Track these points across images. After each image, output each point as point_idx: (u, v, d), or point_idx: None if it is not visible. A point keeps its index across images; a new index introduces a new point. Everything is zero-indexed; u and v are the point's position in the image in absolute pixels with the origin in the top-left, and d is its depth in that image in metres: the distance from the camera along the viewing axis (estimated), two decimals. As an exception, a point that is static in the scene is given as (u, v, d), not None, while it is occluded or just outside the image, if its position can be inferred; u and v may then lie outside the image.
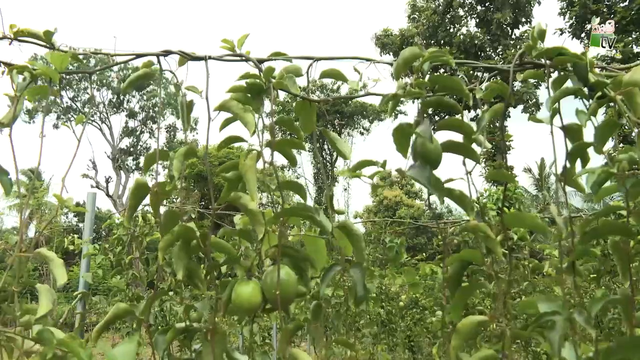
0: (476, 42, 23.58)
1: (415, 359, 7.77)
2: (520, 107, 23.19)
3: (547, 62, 1.35)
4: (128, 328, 4.00)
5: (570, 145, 1.31)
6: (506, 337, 1.24)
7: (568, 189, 1.36)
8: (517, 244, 3.39)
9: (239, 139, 1.41)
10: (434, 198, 1.24)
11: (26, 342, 1.26)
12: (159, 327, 1.44)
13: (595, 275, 3.06)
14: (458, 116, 1.32)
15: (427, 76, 1.33)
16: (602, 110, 1.34)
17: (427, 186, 1.21)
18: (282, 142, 1.34)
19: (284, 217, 1.28)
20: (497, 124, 1.45)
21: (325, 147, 30.03)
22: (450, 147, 1.31)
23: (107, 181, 33.30)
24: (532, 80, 1.85)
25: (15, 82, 1.34)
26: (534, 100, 22.91)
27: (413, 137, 1.27)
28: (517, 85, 22.40)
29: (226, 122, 1.45)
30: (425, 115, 1.30)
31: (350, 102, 33.52)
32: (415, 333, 8.43)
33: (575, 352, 1.19)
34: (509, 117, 22.93)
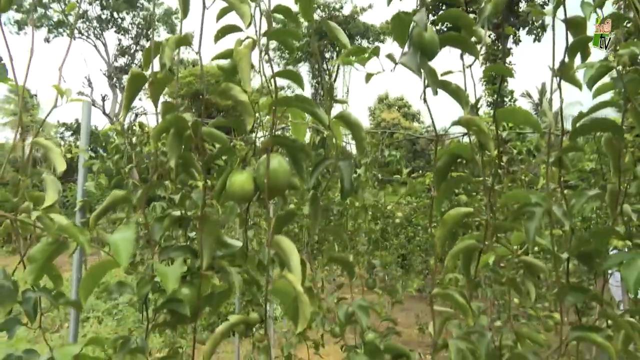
0: None
1: (407, 271, 8.00)
2: (525, 31, 22.69)
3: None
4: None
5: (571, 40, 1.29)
6: (488, 227, 1.27)
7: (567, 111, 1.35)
8: (513, 158, 3.41)
9: (235, 28, 1.39)
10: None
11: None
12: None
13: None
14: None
15: (428, -35, 1.29)
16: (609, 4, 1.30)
17: (417, 74, 1.20)
18: (279, 31, 1.32)
19: (279, 107, 1.28)
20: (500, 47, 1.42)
21: (325, 66, 29.53)
22: (448, 39, 1.29)
23: (104, 99, 33.00)
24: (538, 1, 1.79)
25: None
26: (540, 22, 22.39)
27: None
28: (522, 6, 21.79)
29: (222, 12, 1.42)
30: (423, 5, 1.27)
31: (352, 22, 32.69)
32: (408, 251, 8.64)
33: (551, 239, 1.22)
34: (517, 41, 22.48)
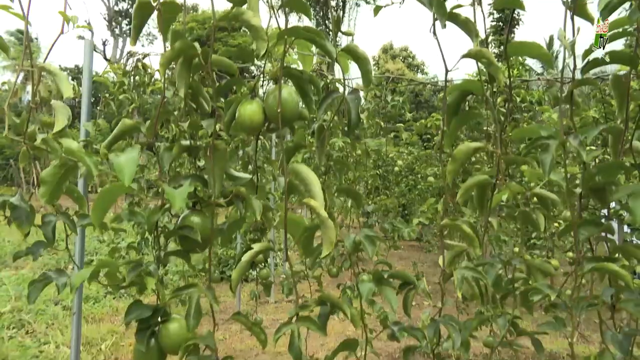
0: None
1: (407, 220, 8.08)
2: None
3: None
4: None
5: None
6: (500, 162, 1.28)
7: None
8: (517, 106, 3.40)
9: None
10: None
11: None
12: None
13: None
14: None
15: None
16: None
17: (428, 7, 1.19)
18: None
19: (288, 36, 1.27)
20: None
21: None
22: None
23: (104, 44, 32.52)
24: None
25: None
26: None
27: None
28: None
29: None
30: None
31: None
32: (408, 200, 8.72)
33: (564, 175, 1.24)
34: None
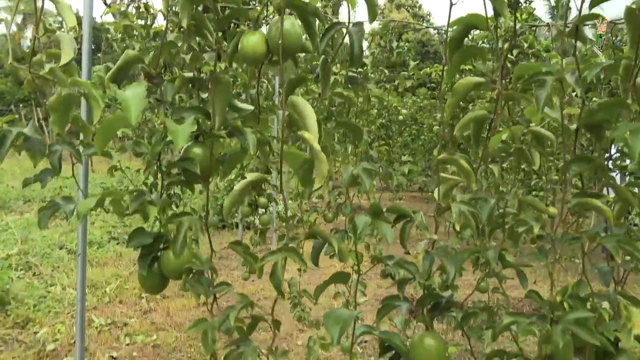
0: None
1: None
2: None
3: None
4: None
5: None
6: (499, 97, 1.28)
7: None
8: (524, 52, 3.36)
9: None
10: None
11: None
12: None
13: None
14: None
15: None
16: None
17: None
18: None
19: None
20: None
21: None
22: None
23: (104, -11, 31.88)
24: None
25: None
26: None
27: None
28: None
29: None
30: None
31: None
32: (412, 150, 8.72)
33: (560, 111, 1.24)
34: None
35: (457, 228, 1.20)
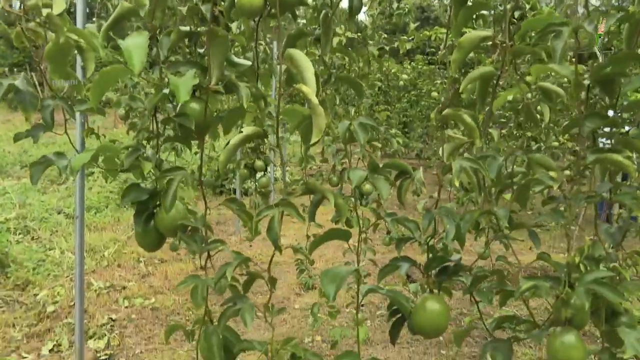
0: None
1: (408, 137, 8.10)
2: None
3: None
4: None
5: None
6: (506, 52, 1.25)
7: None
8: (525, 14, 3.29)
9: None
10: None
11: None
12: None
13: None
14: None
15: None
16: None
17: None
18: None
19: None
20: None
21: None
22: None
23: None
24: None
25: None
26: None
27: None
28: None
29: None
30: None
31: None
32: (410, 117, 8.68)
33: (575, 66, 1.21)
34: None
35: (457, 184, 1.18)
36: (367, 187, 2.53)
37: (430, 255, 1.30)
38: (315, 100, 1.10)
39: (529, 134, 4.86)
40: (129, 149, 1.26)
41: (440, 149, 1.29)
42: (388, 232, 3.05)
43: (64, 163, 1.27)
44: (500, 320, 1.27)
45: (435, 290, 1.28)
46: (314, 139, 1.11)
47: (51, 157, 1.28)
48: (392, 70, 6.99)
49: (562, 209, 1.27)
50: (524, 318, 1.26)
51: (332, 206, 1.17)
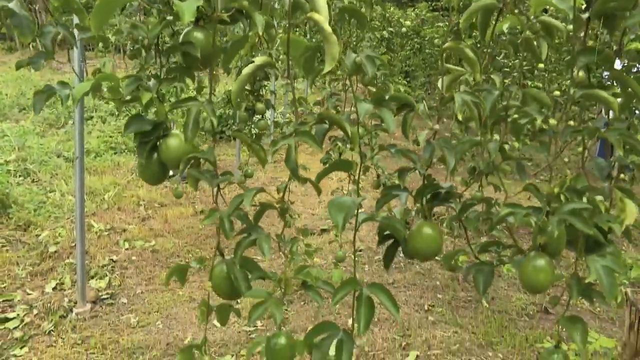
0: None
1: (411, 87, 8.01)
2: None
3: None
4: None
5: None
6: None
7: None
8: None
9: None
10: None
11: None
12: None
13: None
14: None
15: None
16: None
17: None
18: None
19: None
20: None
21: None
22: None
23: None
24: None
25: None
26: None
27: None
28: None
29: None
30: None
31: None
32: (412, 65, 8.57)
33: (573, 3, 1.19)
34: None
35: (460, 118, 1.18)
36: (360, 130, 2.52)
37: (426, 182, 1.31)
38: (328, 28, 1.08)
39: (530, 83, 4.82)
40: (130, 77, 1.25)
41: (440, 80, 1.28)
42: (378, 176, 3.09)
43: (65, 92, 1.25)
44: (486, 245, 1.29)
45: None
46: (327, 68, 1.10)
47: (54, 86, 1.27)
48: (396, 17, 6.86)
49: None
50: (509, 244, 1.28)
51: (318, 150, 1.17)
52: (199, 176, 1.27)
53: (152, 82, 1.30)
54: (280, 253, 4.76)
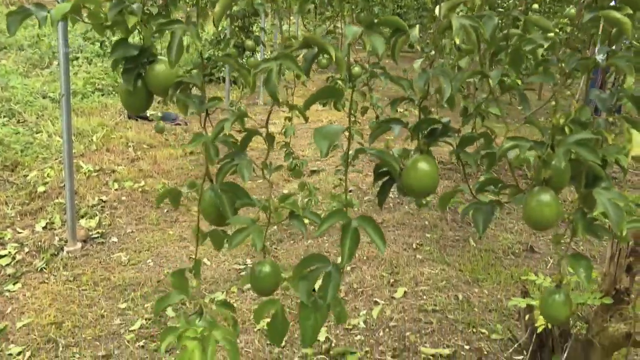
0: None
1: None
2: None
3: None
4: None
5: None
6: None
7: None
8: None
9: None
10: None
11: None
12: None
13: None
14: None
15: None
16: None
17: None
18: None
19: None
20: None
21: None
22: None
23: None
24: None
25: None
26: None
27: None
28: None
29: None
30: None
31: None
32: (404, 7, 8.40)
33: None
34: None
35: (458, 42, 1.15)
36: (356, 69, 2.48)
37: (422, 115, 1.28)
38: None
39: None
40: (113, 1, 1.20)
41: (437, 7, 1.24)
42: (377, 117, 3.05)
43: (42, 14, 1.20)
44: (485, 183, 1.27)
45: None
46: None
47: (29, 8, 1.22)
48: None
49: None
50: (509, 183, 1.26)
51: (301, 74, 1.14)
52: (187, 101, 1.25)
53: (136, 5, 1.25)
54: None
